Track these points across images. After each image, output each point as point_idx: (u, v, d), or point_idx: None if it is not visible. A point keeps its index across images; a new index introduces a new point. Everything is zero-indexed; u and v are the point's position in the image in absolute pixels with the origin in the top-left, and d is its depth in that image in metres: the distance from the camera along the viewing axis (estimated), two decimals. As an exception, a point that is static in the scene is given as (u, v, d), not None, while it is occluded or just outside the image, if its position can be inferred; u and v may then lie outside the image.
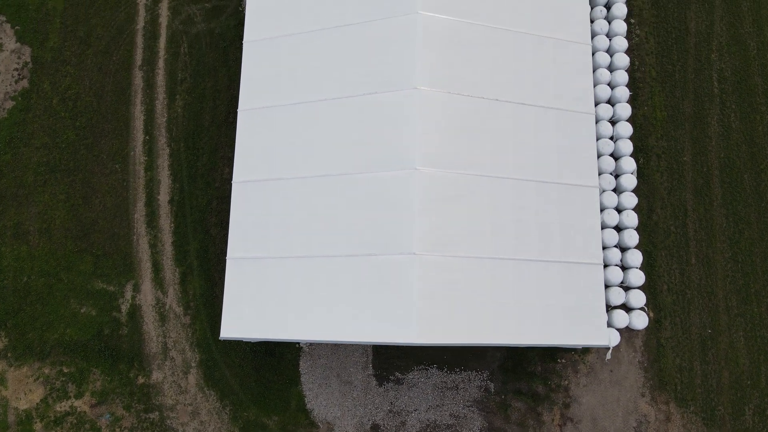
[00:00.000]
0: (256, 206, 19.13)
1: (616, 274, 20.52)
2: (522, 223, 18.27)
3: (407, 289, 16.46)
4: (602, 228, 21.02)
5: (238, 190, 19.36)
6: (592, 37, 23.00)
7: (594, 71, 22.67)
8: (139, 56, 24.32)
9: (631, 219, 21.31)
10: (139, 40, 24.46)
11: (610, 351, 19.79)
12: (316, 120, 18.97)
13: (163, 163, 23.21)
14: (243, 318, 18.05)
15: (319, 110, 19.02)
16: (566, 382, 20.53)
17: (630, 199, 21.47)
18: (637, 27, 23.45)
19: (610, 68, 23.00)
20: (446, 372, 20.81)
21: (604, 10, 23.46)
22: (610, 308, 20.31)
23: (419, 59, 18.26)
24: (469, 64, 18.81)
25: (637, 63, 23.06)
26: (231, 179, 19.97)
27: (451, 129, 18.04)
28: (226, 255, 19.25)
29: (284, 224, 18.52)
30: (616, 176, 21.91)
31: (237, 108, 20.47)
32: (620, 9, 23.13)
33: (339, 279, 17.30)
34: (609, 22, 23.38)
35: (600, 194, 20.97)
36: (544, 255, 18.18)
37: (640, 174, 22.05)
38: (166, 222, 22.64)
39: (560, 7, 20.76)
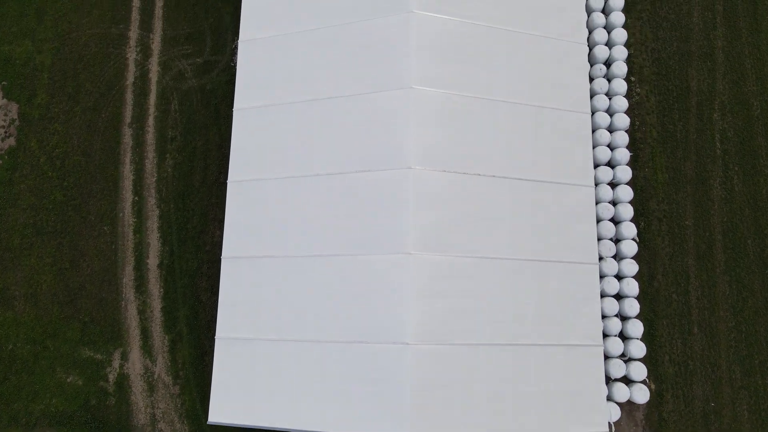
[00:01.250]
0: (246, 283, 18.95)
1: (616, 346, 20.21)
2: (520, 307, 18.05)
3: (399, 381, 16.14)
4: (602, 296, 20.72)
5: (228, 266, 19.03)
6: (591, 96, 22.71)
7: (593, 132, 22.37)
8: (128, 113, 24.02)
9: (632, 288, 21.02)
10: (129, 97, 24.15)
11: (612, 429, 19.39)
12: (306, 197, 18.74)
13: (153, 225, 22.86)
14: (232, 403, 17.82)
15: (309, 186, 18.72)
16: (565, 459, 20.11)
17: (631, 267, 21.18)
18: (637, 85, 23.15)
19: (610, 129, 22.77)
20: (442, 446, 20.37)
21: (604, 68, 23.20)
22: (610, 381, 19.97)
23: (413, 136, 17.94)
24: (465, 139, 18.56)
25: (637, 123, 22.76)
26: (222, 242, 19.66)
27: (447, 210, 17.73)
28: (216, 321, 18.98)
29: (274, 305, 18.32)
30: (617, 241, 21.58)
31: (228, 168, 20.36)
32: (620, 67, 22.91)
33: (330, 366, 17.07)
34: (609, 81, 23.11)
35: (600, 261, 20.68)
36: (543, 339, 17.84)
37: (641, 239, 21.70)
38: (155, 287, 22.28)
39: (559, 76, 20.45)
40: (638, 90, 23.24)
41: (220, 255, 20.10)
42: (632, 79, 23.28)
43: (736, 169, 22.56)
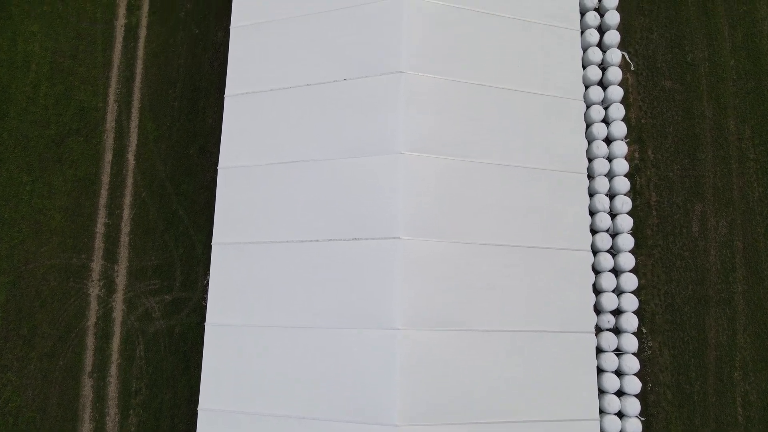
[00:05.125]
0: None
1: None
2: None
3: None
4: None
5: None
6: (598, 353, 21.44)
7: (600, 395, 21.01)
8: (89, 361, 22.81)
9: None
10: (90, 341, 22.95)
11: None
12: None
13: (113, 497, 21.42)
14: None
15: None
16: None
17: None
18: (649, 337, 21.91)
19: (620, 392, 21.42)
20: None
21: (612, 319, 21.88)
22: None
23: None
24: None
25: (650, 383, 21.55)
26: None
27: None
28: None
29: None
30: None
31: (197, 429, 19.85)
32: (630, 322, 21.67)
33: None
34: (617, 334, 21.82)
35: None
36: None
37: None
38: None
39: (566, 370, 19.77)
40: (650, 344, 22.02)
41: None
42: (643, 330, 22.08)
43: (761, 440, 21.18)
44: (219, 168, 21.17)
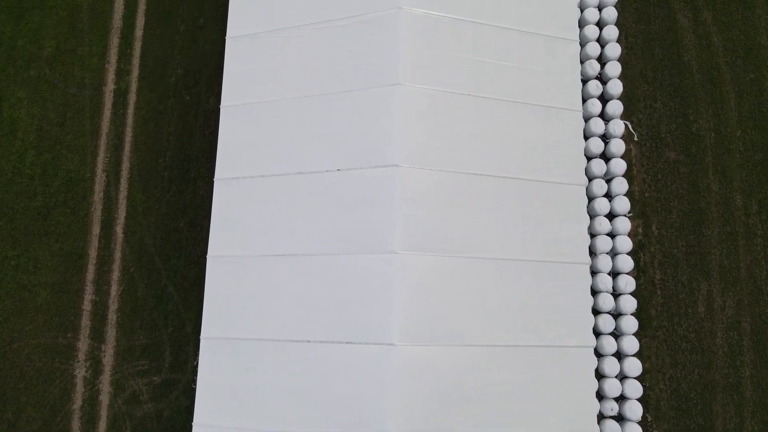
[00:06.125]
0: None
1: None
2: None
3: None
4: None
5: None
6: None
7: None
8: (74, 446, 22.09)
9: None
10: (76, 425, 22.44)
11: None
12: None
13: None
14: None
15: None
16: None
17: None
18: (654, 425, 21.56)
19: (624, 487, 20.78)
20: None
21: (615, 406, 21.29)
22: None
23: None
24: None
25: (655, 475, 20.73)
26: None
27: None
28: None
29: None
30: None
31: None
32: (634, 410, 21.05)
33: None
34: (621, 422, 21.25)
35: None
36: None
37: None
38: None
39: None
40: (655, 432, 21.30)
41: None
42: (648, 418, 21.44)
43: None
44: (208, 256, 20.58)
